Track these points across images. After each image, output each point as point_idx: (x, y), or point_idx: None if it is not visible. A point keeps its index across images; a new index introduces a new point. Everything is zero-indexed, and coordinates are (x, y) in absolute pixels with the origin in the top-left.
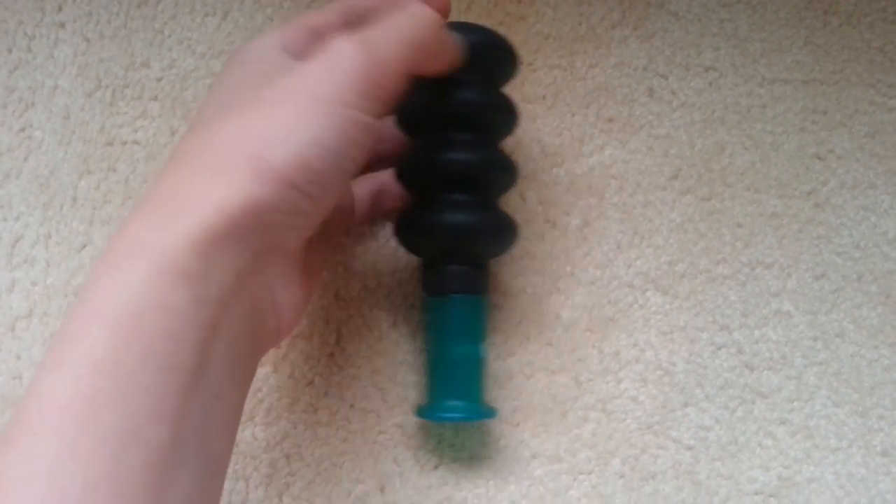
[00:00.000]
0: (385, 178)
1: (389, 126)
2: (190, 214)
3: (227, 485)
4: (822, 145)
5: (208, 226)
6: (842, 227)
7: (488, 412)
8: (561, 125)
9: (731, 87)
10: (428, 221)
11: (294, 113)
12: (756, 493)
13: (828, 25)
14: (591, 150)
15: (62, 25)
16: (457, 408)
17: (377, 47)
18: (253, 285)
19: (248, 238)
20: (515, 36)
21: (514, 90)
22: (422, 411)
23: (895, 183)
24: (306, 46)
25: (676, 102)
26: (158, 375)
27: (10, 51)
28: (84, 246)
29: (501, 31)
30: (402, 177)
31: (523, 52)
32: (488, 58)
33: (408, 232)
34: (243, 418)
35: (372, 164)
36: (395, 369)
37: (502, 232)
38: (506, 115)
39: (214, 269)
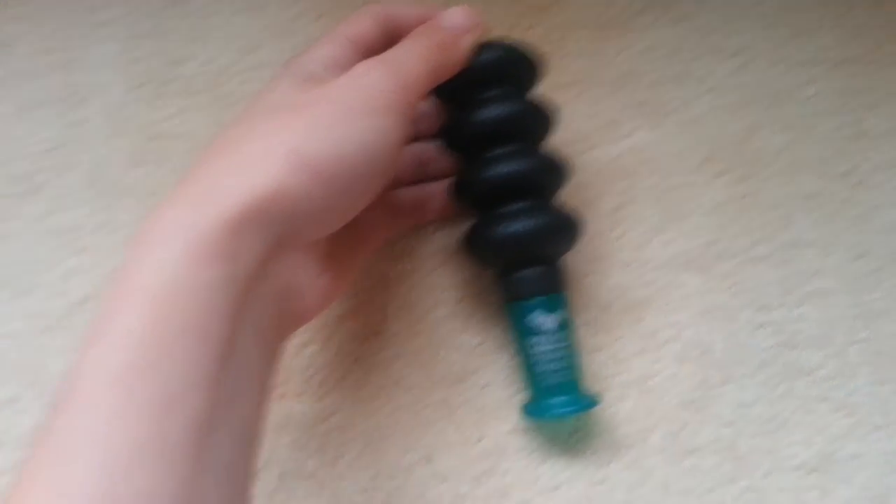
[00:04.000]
0: (427, 188)
1: (436, 148)
2: (225, 198)
3: (283, 454)
4: (857, 126)
5: (241, 209)
6: (881, 206)
7: (592, 401)
8: (591, 111)
9: (762, 70)
10: (495, 234)
11: (329, 115)
12: (797, 469)
13: (859, 5)
14: (623, 135)
15: (105, 24)
16: (563, 403)
17: (401, 69)
18: (275, 269)
19: (275, 224)
20: (541, 25)
21: (543, 78)
22: (530, 410)
23: None
24: (349, 60)
25: (706, 86)
26: (196, 347)
27: (63, 49)
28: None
29: (528, 20)
30: (459, 197)
31: (551, 40)
32: (517, 69)
33: (478, 247)
34: (296, 392)
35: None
36: (437, 348)
37: (565, 229)
38: (543, 119)
39: (242, 250)
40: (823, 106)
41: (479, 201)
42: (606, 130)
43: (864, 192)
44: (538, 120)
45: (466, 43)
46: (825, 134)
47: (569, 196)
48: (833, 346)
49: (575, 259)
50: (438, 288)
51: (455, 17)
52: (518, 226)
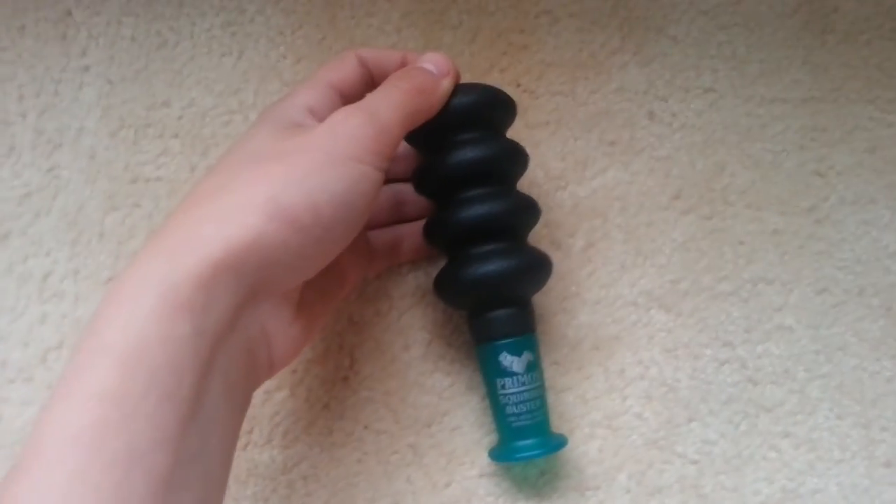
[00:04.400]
0: (401, 230)
1: (410, 191)
2: (201, 249)
3: None
4: (822, 162)
5: (216, 260)
6: (843, 242)
7: (560, 443)
8: (564, 150)
9: (731, 107)
10: (465, 276)
11: (308, 163)
12: None
13: (825, 44)
14: (594, 174)
15: (87, 69)
16: (531, 445)
17: (378, 116)
18: (246, 320)
19: (249, 274)
20: (518, 65)
21: (518, 118)
22: (496, 454)
23: (895, 197)
24: (329, 106)
25: (677, 124)
26: (161, 405)
27: (38, 95)
28: (111, 279)
29: (505, 60)
30: (431, 238)
31: (526, 80)
32: (491, 112)
33: (448, 289)
34: (262, 441)
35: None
36: (408, 391)
37: (536, 270)
38: (517, 160)
39: (214, 302)
40: (789, 143)
41: (452, 242)
42: (578, 169)
43: (827, 227)
44: (511, 162)
45: (444, 87)
46: (790, 170)
47: (541, 235)
48: (795, 381)
49: (546, 298)
50: (409, 329)
51: (433, 61)
52: (490, 267)
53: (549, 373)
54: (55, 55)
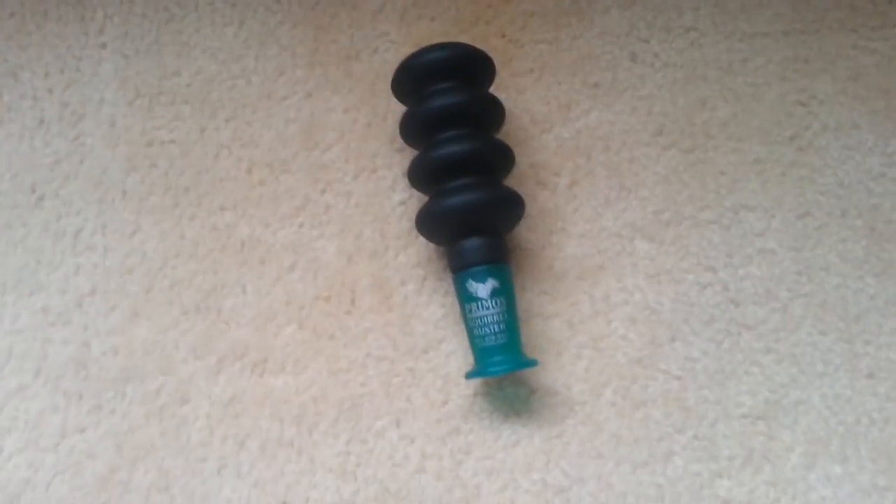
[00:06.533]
0: None
1: None
2: None
3: (263, 424)
4: (803, 92)
5: None
6: (825, 167)
7: (529, 362)
8: (548, 94)
9: (712, 44)
10: (438, 209)
11: None
12: (744, 417)
13: None
14: (578, 115)
15: (104, 46)
16: (497, 362)
17: None
18: None
19: None
20: (503, 16)
21: (503, 67)
22: (471, 374)
23: (879, 122)
24: None
25: (659, 64)
26: None
27: (62, 72)
28: (135, 232)
29: (489, 13)
30: (413, 180)
31: (511, 30)
32: (467, 66)
33: (423, 222)
34: (276, 369)
35: None
36: (405, 321)
37: (504, 203)
38: (492, 108)
39: None
40: (771, 75)
41: (430, 180)
42: (563, 112)
43: (810, 154)
44: (486, 109)
45: None
46: (772, 102)
47: (527, 176)
48: (777, 301)
49: (533, 233)
50: (405, 267)
51: None
52: (460, 198)
53: (538, 301)
54: (75, 35)
